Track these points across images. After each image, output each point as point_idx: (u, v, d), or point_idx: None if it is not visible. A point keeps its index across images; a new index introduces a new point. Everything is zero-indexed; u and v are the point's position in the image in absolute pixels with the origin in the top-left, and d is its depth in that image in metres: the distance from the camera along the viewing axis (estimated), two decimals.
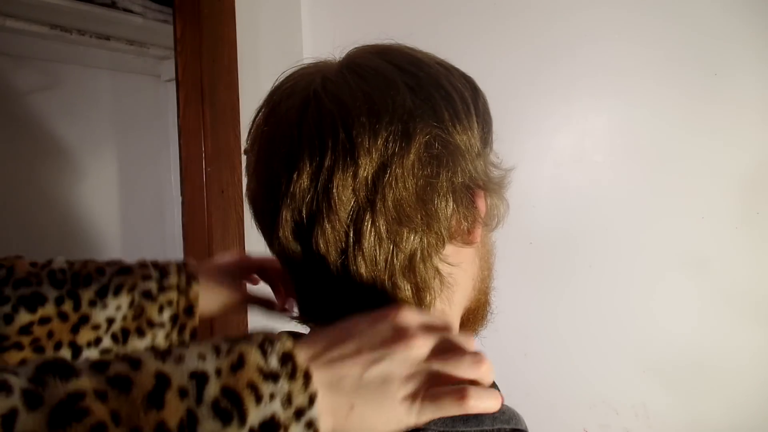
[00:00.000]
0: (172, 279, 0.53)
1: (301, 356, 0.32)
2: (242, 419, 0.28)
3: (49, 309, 0.47)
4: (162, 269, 0.53)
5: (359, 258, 0.38)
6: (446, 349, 0.36)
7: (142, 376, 0.26)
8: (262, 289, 0.63)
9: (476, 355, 0.36)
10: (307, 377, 0.31)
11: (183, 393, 0.27)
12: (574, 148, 0.97)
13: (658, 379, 0.90)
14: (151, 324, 0.50)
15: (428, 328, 0.36)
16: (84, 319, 0.48)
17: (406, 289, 0.40)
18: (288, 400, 0.30)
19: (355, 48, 0.45)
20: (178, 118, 1.07)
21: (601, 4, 0.93)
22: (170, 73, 1.34)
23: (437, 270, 0.41)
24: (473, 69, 0.46)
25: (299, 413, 0.30)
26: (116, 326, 0.49)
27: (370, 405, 0.33)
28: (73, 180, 1.56)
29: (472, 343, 0.37)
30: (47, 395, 0.24)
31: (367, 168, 0.37)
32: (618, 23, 0.92)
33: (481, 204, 0.42)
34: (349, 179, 0.37)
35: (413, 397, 0.34)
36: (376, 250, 0.38)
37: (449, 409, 0.34)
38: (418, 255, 0.39)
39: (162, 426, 0.25)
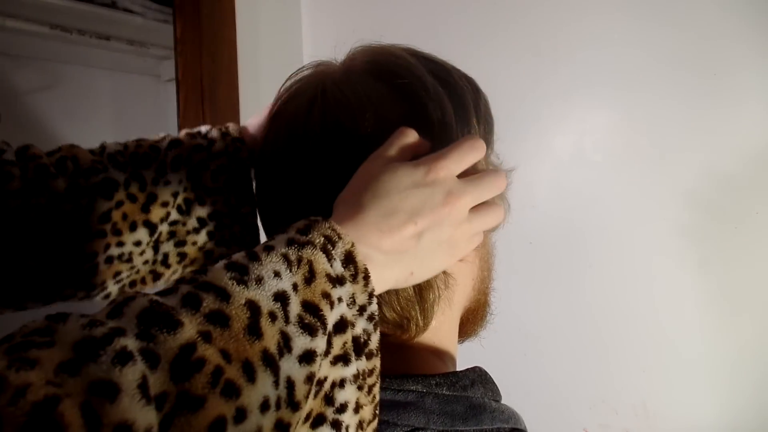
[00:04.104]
0: (219, 144, 0.51)
1: (360, 252, 0.32)
2: (324, 327, 0.29)
3: (120, 193, 0.47)
4: (209, 137, 0.52)
5: None
6: (481, 194, 0.38)
7: (235, 309, 0.27)
8: None
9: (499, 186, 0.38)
10: (366, 278, 0.32)
11: (272, 317, 0.28)
12: (573, 148, 0.97)
13: (657, 379, 0.90)
14: (208, 191, 0.50)
15: (465, 178, 0.37)
16: (152, 197, 0.48)
17: (408, 288, 0.40)
18: (353, 301, 0.32)
19: (355, 50, 0.45)
20: (178, 118, 1.07)
21: (601, 4, 0.93)
22: (170, 73, 1.34)
23: None
24: (473, 69, 0.47)
25: (362, 309, 0.32)
26: (180, 199, 0.49)
27: (426, 266, 0.36)
28: None
29: (496, 179, 0.38)
30: (162, 352, 0.23)
31: None
32: (617, 23, 0.92)
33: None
34: None
35: (458, 248, 0.37)
36: None
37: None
38: None
39: (266, 353, 0.26)
